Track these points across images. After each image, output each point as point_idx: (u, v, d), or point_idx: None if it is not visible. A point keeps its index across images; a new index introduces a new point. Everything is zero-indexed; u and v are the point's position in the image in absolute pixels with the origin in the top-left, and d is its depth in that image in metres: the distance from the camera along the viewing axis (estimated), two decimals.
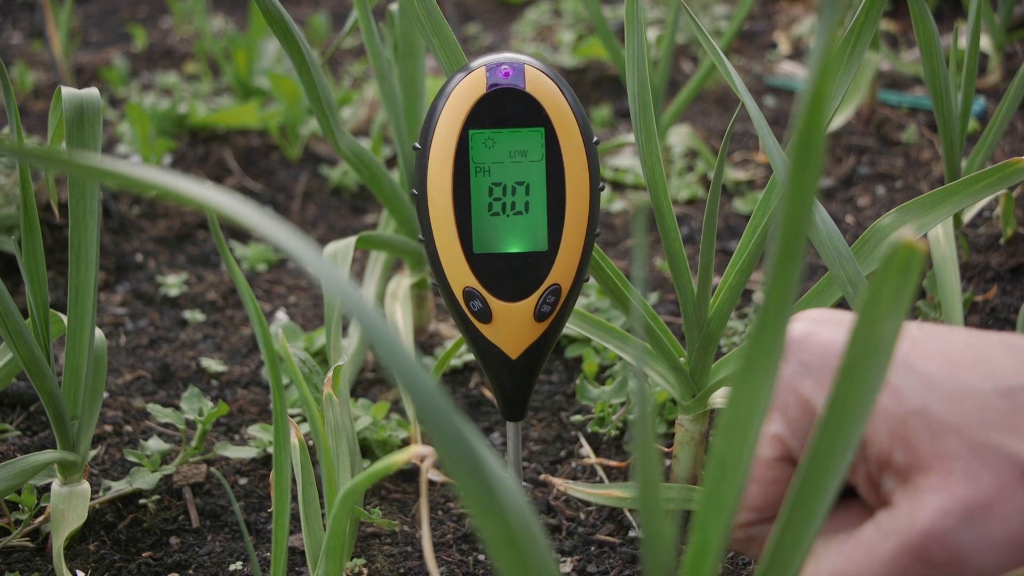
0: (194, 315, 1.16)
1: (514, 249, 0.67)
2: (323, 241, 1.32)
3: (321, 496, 0.72)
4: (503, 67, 0.66)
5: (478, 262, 0.67)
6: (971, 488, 0.45)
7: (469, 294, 0.68)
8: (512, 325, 0.69)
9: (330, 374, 0.72)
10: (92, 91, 0.80)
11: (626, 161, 1.46)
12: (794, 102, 1.64)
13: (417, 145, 0.68)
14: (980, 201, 1.10)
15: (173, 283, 1.22)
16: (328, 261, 0.39)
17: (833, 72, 0.77)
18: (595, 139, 0.68)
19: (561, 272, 0.68)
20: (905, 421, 0.48)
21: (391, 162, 1.49)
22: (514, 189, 0.67)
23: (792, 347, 0.51)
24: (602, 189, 0.69)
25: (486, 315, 0.68)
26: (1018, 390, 0.47)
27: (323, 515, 0.72)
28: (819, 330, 0.52)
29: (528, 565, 0.41)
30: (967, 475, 0.45)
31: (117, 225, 1.35)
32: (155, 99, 1.64)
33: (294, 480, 0.71)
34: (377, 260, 1.10)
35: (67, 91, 0.79)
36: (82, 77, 1.90)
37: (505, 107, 0.66)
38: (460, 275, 0.68)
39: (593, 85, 1.76)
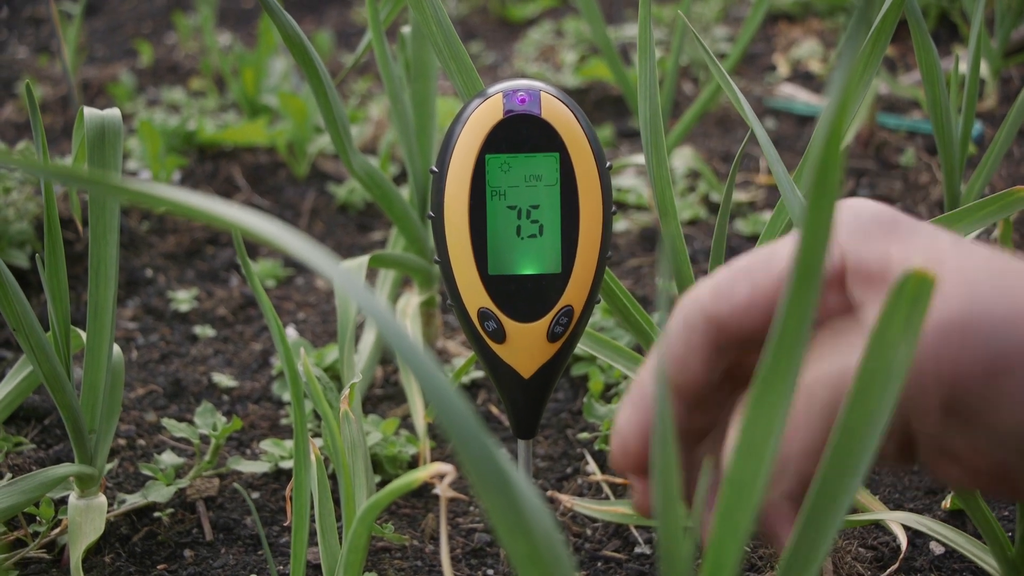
0: (204, 330, 1.17)
1: (528, 271, 0.69)
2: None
3: (337, 508, 0.73)
4: (519, 93, 0.68)
5: (493, 283, 0.69)
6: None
7: (484, 314, 0.69)
8: (525, 345, 0.70)
9: (346, 391, 0.74)
10: (114, 112, 0.81)
11: (629, 181, 1.48)
12: (796, 125, 1.66)
13: (434, 168, 0.69)
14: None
15: (183, 298, 1.23)
16: (349, 274, 0.40)
17: (850, 108, 0.79)
18: (608, 164, 0.69)
19: (574, 294, 0.69)
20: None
21: (398, 180, 1.50)
22: (529, 212, 0.68)
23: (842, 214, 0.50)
24: (615, 213, 0.70)
25: (500, 335, 0.69)
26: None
27: (339, 529, 0.73)
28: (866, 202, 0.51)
29: None
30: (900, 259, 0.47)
31: (127, 240, 1.36)
32: (163, 115, 1.66)
33: (310, 495, 0.72)
34: (386, 278, 1.11)
35: (89, 112, 0.80)
36: (89, 92, 1.91)
37: (521, 132, 0.67)
38: (475, 296, 0.69)
39: (595, 105, 1.78)
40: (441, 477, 0.55)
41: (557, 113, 0.68)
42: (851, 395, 0.45)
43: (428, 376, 0.39)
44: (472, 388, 1.07)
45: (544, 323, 0.69)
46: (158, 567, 0.83)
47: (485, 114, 0.68)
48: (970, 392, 0.45)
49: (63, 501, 0.85)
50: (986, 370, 0.44)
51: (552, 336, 0.70)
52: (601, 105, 1.78)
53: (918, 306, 0.44)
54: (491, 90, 0.68)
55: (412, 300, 1.08)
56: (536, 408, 0.72)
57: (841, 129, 0.41)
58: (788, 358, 0.45)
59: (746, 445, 0.47)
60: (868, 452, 0.45)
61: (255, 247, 1.37)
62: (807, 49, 1.93)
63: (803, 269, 0.44)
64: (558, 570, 0.42)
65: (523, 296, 0.69)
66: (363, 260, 0.92)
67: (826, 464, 0.46)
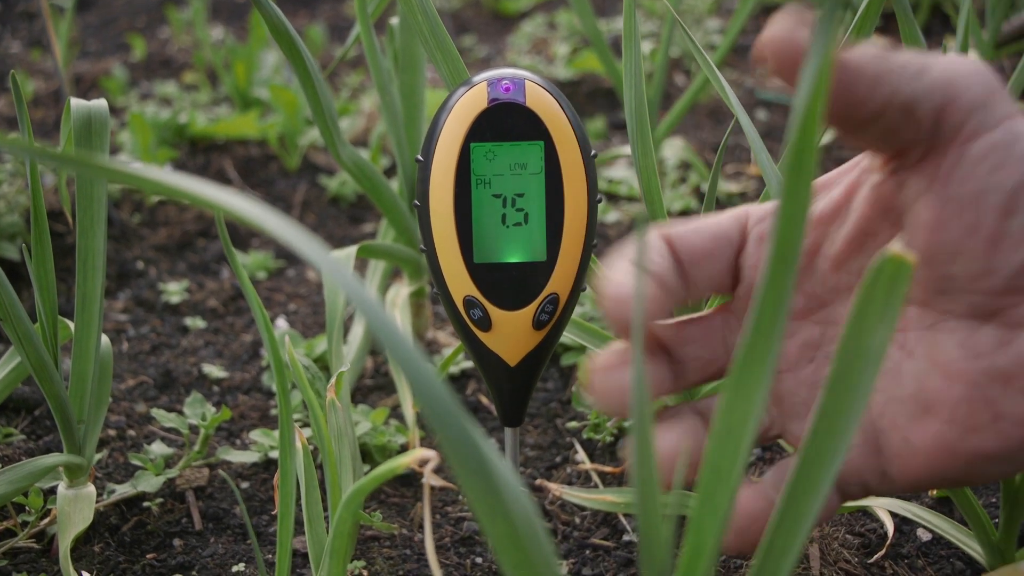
0: (195, 322, 1.18)
1: (514, 259, 0.69)
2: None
3: (324, 499, 0.73)
4: (504, 82, 0.68)
5: (478, 271, 0.69)
6: None
7: (469, 302, 0.69)
8: (511, 333, 0.70)
9: (333, 380, 0.74)
10: (100, 102, 0.81)
11: (620, 172, 1.48)
12: (787, 116, 1.66)
13: (420, 157, 0.69)
14: None
15: (174, 290, 1.23)
16: (337, 262, 0.40)
17: (825, 90, 0.79)
18: (593, 153, 0.70)
19: (559, 282, 0.69)
20: None
21: (389, 172, 1.51)
22: (514, 201, 0.69)
23: None
24: (600, 201, 0.71)
25: (486, 323, 0.69)
26: None
27: (326, 518, 0.73)
28: None
29: (532, 564, 0.42)
30: None
31: (118, 233, 1.36)
32: (155, 108, 1.66)
33: (297, 483, 0.72)
34: (376, 269, 1.11)
35: (76, 102, 0.80)
36: (81, 86, 1.91)
37: (506, 121, 0.68)
38: (461, 284, 0.69)
39: (587, 97, 1.78)
40: (425, 463, 0.55)
41: (542, 101, 0.68)
42: (830, 378, 0.45)
43: (405, 357, 0.39)
44: (462, 378, 1.07)
45: (530, 311, 0.69)
46: (147, 556, 0.84)
47: (470, 103, 0.68)
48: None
49: (52, 491, 0.85)
50: None
51: (538, 324, 0.70)
52: (593, 97, 1.78)
53: (896, 289, 0.44)
54: (476, 79, 0.68)
55: (402, 291, 1.08)
56: (522, 396, 0.73)
57: (816, 111, 0.41)
58: (766, 342, 0.45)
59: (724, 429, 0.47)
60: (848, 434, 0.46)
61: (246, 239, 1.37)
62: None
63: (780, 252, 0.44)
64: (537, 551, 0.42)
65: (509, 284, 0.69)
66: (351, 250, 0.92)
67: (806, 447, 0.46)
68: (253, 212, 0.41)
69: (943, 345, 0.50)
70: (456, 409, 0.40)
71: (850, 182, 0.55)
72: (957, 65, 0.49)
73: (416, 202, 0.69)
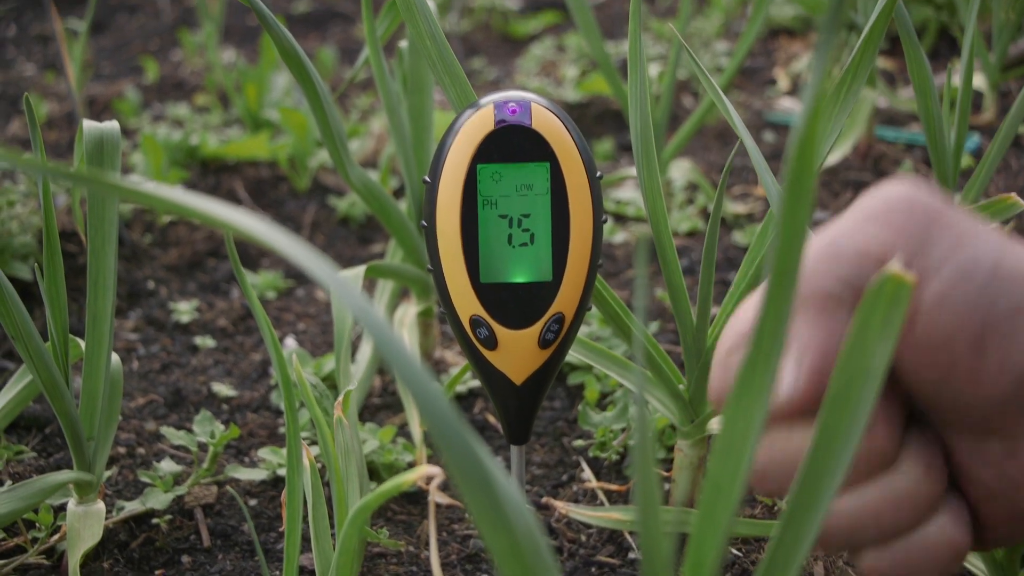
0: (205, 341, 1.18)
1: (519, 279, 0.69)
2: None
3: (331, 516, 0.74)
4: (510, 104, 0.69)
5: (485, 291, 0.69)
6: None
7: (476, 322, 0.70)
8: (517, 352, 0.70)
9: (341, 398, 0.74)
10: (112, 124, 0.82)
11: (628, 194, 1.49)
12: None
13: (427, 179, 0.70)
14: None
15: (184, 310, 1.24)
16: (345, 281, 0.41)
17: (825, 111, 0.80)
18: (598, 174, 0.70)
19: (565, 301, 0.70)
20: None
21: (398, 193, 1.52)
22: (520, 221, 0.69)
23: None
24: (605, 222, 0.71)
25: (492, 342, 0.70)
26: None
27: (332, 535, 0.74)
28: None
29: None
30: None
31: (130, 253, 1.37)
32: (167, 130, 1.67)
33: (304, 500, 0.72)
34: (384, 289, 1.12)
35: (88, 124, 0.81)
36: (95, 108, 1.93)
37: (512, 143, 0.68)
38: (467, 303, 0.70)
39: (596, 119, 1.79)
40: (431, 480, 0.56)
41: (547, 123, 0.69)
42: (830, 397, 0.46)
43: (410, 375, 0.40)
44: (469, 397, 1.08)
45: (535, 330, 0.70)
46: (156, 573, 0.84)
47: (476, 125, 0.69)
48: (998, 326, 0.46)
49: (62, 508, 0.85)
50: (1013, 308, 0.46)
51: (543, 343, 0.70)
52: (602, 119, 1.79)
53: (896, 309, 0.45)
54: (482, 101, 0.69)
55: (410, 310, 1.09)
56: (528, 414, 0.73)
57: (815, 134, 0.42)
58: (766, 362, 0.46)
59: (725, 446, 0.47)
60: (848, 452, 0.46)
61: (256, 259, 1.38)
62: (806, 63, 1.94)
63: (779, 274, 0.45)
64: (539, 565, 0.43)
65: (514, 304, 0.70)
66: (360, 270, 0.93)
67: (807, 464, 0.46)
68: (263, 231, 0.42)
69: (955, 451, 0.51)
70: (460, 426, 0.41)
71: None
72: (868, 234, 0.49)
73: (423, 222, 0.70)
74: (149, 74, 2.09)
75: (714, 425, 0.82)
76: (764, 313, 0.45)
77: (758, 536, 0.84)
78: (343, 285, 0.41)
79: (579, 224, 0.69)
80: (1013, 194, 0.79)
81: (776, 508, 0.89)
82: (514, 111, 0.68)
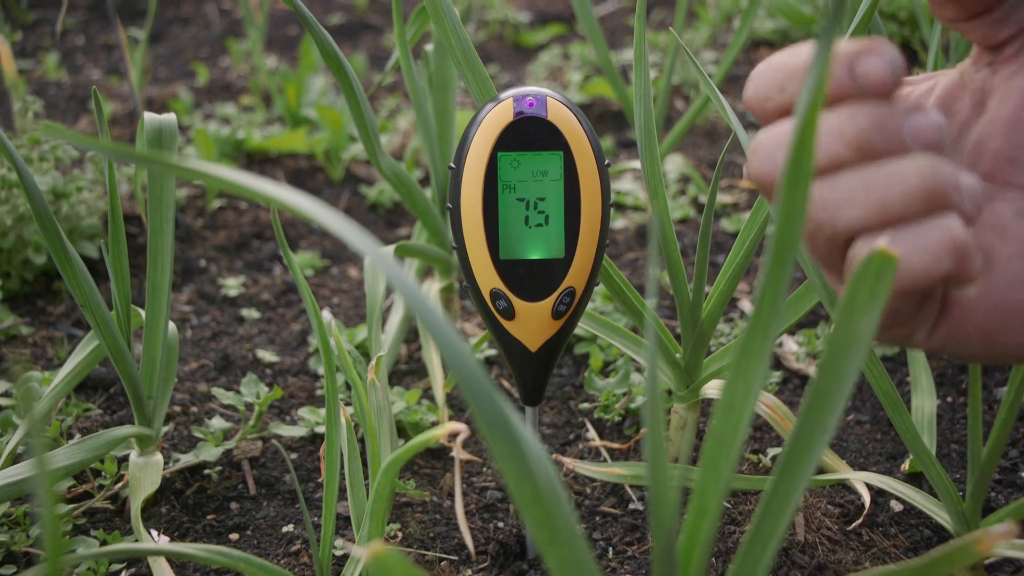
0: (250, 313, 1.17)
1: (535, 256, 0.68)
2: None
3: (365, 468, 0.73)
4: (528, 98, 0.67)
5: (504, 267, 0.68)
6: None
7: (495, 294, 0.68)
8: (532, 322, 0.69)
9: (373, 362, 0.73)
10: (170, 116, 0.81)
11: (627, 185, 1.47)
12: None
13: (452, 165, 0.68)
14: None
15: (232, 285, 1.22)
16: (380, 249, 0.39)
17: (821, 102, 0.78)
18: (607, 162, 0.69)
19: (576, 276, 0.69)
20: None
21: (423, 182, 1.50)
22: (536, 204, 0.68)
23: None
24: (612, 206, 0.70)
25: (510, 313, 0.69)
26: None
27: (366, 486, 0.73)
28: None
29: (553, 521, 0.41)
30: None
31: (183, 235, 1.36)
32: (216, 127, 1.65)
33: (341, 454, 0.71)
34: (410, 267, 1.11)
35: (149, 115, 0.80)
36: (152, 108, 1.91)
37: (529, 133, 0.67)
38: (488, 278, 0.68)
39: (598, 119, 1.77)
40: (455, 436, 0.55)
41: (562, 116, 0.67)
42: (822, 361, 0.44)
43: (441, 333, 0.39)
44: (485, 364, 1.06)
45: (549, 302, 0.69)
46: (208, 517, 0.83)
47: (497, 116, 0.67)
48: None
49: (125, 459, 0.84)
50: None
51: (556, 314, 0.69)
52: (603, 119, 1.77)
53: (883, 280, 0.43)
54: (503, 95, 0.68)
55: (433, 286, 1.07)
56: (542, 378, 0.72)
57: (815, 117, 0.40)
58: (766, 326, 0.45)
59: (727, 404, 0.46)
60: (837, 411, 0.45)
61: (295, 241, 1.37)
62: None
63: (780, 245, 0.43)
64: (558, 510, 0.41)
65: (530, 278, 0.68)
66: (389, 249, 0.92)
67: (800, 421, 0.45)
68: (306, 205, 0.41)
69: (1000, 211, 0.47)
70: (487, 381, 0.39)
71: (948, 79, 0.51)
72: None
73: (449, 204, 0.69)
74: (200, 78, 2.07)
75: (707, 390, 0.81)
76: (765, 281, 0.44)
77: (746, 490, 0.83)
78: (379, 253, 0.40)
79: (589, 207, 0.68)
80: None
81: (760, 465, 0.88)
82: (532, 104, 0.67)
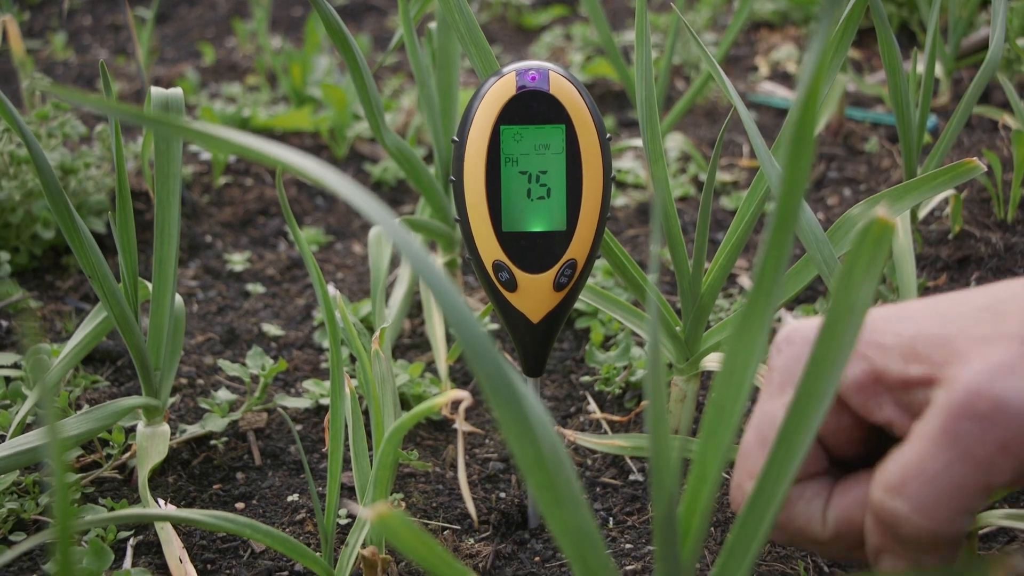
0: (256, 287, 1.17)
1: (537, 228, 0.68)
2: (367, 227, 1.32)
3: (369, 439, 0.72)
4: (530, 72, 0.67)
5: (506, 239, 0.68)
6: (991, 358, 0.44)
7: (498, 266, 0.68)
8: (534, 294, 0.69)
9: (377, 333, 0.73)
10: (177, 90, 0.81)
11: (627, 164, 1.46)
12: (774, 117, 1.64)
13: (455, 139, 0.68)
14: (936, 197, 1.10)
15: (238, 260, 1.22)
16: (387, 214, 0.39)
17: (825, 70, 0.78)
18: (608, 136, 0.68)
19: (577, 249, 0.68)
20: (912, 344, 0.47)
21: (426, 159, 1.49)
22: (538, 177, 0.68)
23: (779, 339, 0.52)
24: (613, 179, 0.69)
25: (512, 285, 0.69)
26: (995, 303, 0.47)
27: (370, 456, 0.73)
28: (801, 325, 0.52)
29: (556, 485, 0.41)
30: (983, 354, 0.44)
31: (190, 211, 1.35)
32: (222, 106, 1.65)
33: (345, 425, 0.71)
34: None
35: (155, 90, 0.80)
36: (159, 87, 1.90)
37: (532, 106, 0.67)
38: (491, 250, 0.68)
39: (599, 99, 1.76)
40: (458, 404, 0.54)
41: (564, 90, 0.67)
42: (821, 331, 0.44)
43: (447, 298, 0.38)
44: None
45: (551, 274, 0.69)
46: (214, 487, 0.83)
47: (500, 90, 0.67)
48: None
49: (132, 429, 0.84)
50: None
51: (558, 286, 0.69)
52: (604, 99, 1.76)
53: (879, 249, 0.43)
54: (505, 69, 0.67)
55: (436, 260, 1.07)
56: (543, 349, 0.72)
57: (820, 86, 0.40)
58: (766, 297, 0.44)
59: (728, 371, 0.46)
60: (834, 381, 0.44)
61: (299, 217, 1.37)
62: (784, 52, 1.91)
63: (782, 215, 0.43)
64: (560, 472, 0.41)
65: (532, 250, 0.68)
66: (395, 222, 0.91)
67: (799, 388, 0.45)
68: (315, 169, 0.41)
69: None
70: (491, 344, 0.39)
71: None
72: None
73: (452, 178, 0.68)
74: (206, 58, 2.06)
75: (707, 362, 0.81)
76: (766, 252, 0.43)
77: None
78: (386, 217, 0.39)
79: (591, 180, 0.68)
80: (975, 158, 0.76)
81: None
82: (534, 78, 0.66)
